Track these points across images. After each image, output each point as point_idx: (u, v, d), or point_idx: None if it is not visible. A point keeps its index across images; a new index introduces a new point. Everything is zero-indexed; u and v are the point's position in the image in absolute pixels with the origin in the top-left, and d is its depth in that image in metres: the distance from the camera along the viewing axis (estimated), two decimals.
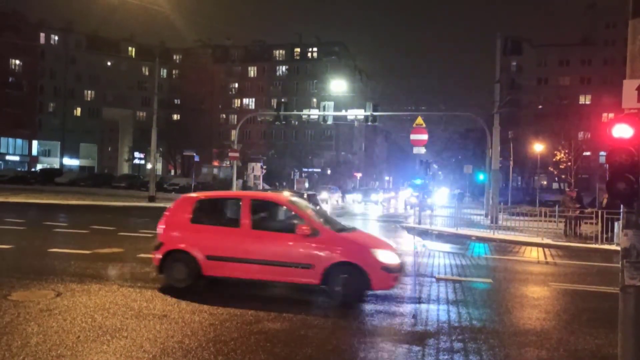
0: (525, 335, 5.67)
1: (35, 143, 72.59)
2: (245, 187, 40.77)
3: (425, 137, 19.56)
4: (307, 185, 53.11)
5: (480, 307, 7.02)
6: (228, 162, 55.63)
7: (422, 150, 20.11)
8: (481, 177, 30.21)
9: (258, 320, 5.70)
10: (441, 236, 17.04)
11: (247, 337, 5.10)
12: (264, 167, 42.95)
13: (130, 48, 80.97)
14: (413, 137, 19.66)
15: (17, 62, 69.82)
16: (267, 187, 39.92)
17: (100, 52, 76.47)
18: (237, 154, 31.48)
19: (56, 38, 75.11)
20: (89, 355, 4.38)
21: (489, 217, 21.24)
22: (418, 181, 41.76)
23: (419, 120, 19.64)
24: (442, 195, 42.55)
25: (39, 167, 67.44)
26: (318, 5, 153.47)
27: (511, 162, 33.73)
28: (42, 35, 73.21)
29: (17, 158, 70.11)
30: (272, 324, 5.58)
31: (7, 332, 4.88)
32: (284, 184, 41.98)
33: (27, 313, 5.54)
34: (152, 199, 28.57)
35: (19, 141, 70.44)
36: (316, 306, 6.54)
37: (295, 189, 40.88)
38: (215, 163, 68.23)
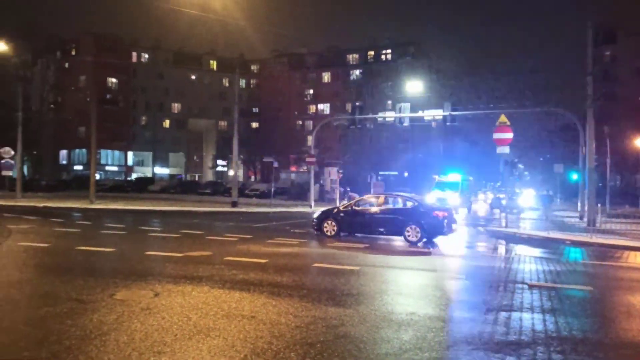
0: (633, 349, 5.16)
1: (130, 154, 78.91)
2: (322, 191, 41.26)
3: (509, 135, 18.56)
4: (383, 188, 52.57)
5: (580, 317, 6.49)
6: (305, 167, 56.64)
7: (507, 149, 19.09)
8: (575, 176, 28.09)
9: (342, 323, 5.70)
10: (531, 240, 16.06)
11: (332, 340, 5.11)
12: (341, 171, 43.17)
13: (211, 61, 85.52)
14: (496, 136, 18.72)
15: (113, 80, 76.43)
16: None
17: (185, 67, 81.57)
18: (314, 159, 32.00)
19: (146, 56, 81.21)
20: (186, 353, 4.63)
21: (585, 219, 19.68)
22: (450, 176, 33.02)
23: (503, 118, 18.67)
24: (529, 197, 40.07)
25: (134, 176, 73.16)
26: (393, 6, 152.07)
27: (608, 160, 30.98)
28: (134, 54, 79.53)
29: (115, 168, 76.64)
30: (355, 328, 5.54)
31: (114, 328, 5.31)
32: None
33: (131, 311, 5.98)
34: (234, 204, 29.82)
35: (117, 153, 76.97)
36: (399, 311, 6.41)
37: (372, 192, 40.66)
38: (293, 168, 69.78)
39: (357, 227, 15.10)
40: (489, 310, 6.59)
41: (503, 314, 6.42)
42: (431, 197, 31.50)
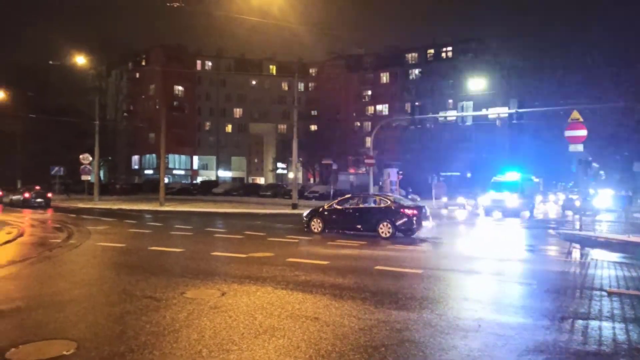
0: None
1: (195, 158, 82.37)
2: (381, 192, 40.84)
3: (583, 133, 17.40)
4: (445, 189, 51.20)
5: None
6: (364, 169, 56.39)
7: (580, 147, 17.91)
8: None
9: (406, 327, 5.60)
10: (608, 244, 14.99)
11: (397, 344, 5.04)
12: (400, 172, 42.58)
13: (271, 66, 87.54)
14: (568, 133, 17.62)
15: (180, 88, 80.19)
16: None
17: (246, 73, 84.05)
18: (372, 161, 31.75)
19: (209, 64, 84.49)
20: (253, 351, 4.74)
21: None
22: (508, 176, 29.37)
23: (575, 114, 17.54)
24: (606, 198, 37.35)
25: (199, 179, 76.25)
26: (453, 2, 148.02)
27: None
28: (199, 62, 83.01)
29: (182, 172, 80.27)
30: (420, 333, 5.43)
31: (185, 325, 5.54)
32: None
33: (200, 310, 6.22)
34: (294, 206, 30.25)
35: (183, 157, 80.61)
36: (466, 317, 6.20)
37: (433, 193, 39.63)
38: (352, 170, 69.65)
39: (338, 224, 16.27)
40: (563, 317, 6.22)
41: (580, 322, 6.03)
42: (486, 199, 28.92)
